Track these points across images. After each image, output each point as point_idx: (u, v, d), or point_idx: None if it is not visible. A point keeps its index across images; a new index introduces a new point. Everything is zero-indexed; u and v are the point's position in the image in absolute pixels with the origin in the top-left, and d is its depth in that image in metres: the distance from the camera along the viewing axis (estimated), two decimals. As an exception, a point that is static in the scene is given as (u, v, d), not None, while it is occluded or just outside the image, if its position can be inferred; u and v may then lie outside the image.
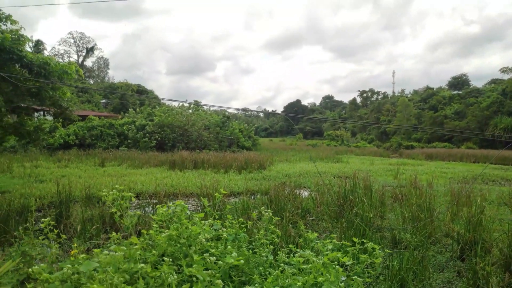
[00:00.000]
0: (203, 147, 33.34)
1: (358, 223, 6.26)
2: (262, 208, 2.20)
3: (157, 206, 2.45)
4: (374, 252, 2.14)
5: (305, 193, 11.72)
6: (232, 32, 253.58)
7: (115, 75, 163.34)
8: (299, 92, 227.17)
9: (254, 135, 46.24)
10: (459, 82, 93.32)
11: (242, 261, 1.55)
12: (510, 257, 5.25)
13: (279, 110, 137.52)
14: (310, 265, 1.70)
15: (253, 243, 2.08)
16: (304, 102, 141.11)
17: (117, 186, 2.51)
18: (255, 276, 1.49)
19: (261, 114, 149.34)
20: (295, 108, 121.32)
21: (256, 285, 1.51)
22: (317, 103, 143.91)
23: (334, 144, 58.81)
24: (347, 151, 43.63)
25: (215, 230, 1.90)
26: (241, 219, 2.13)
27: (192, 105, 42.50)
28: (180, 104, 42.25)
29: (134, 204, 9.86)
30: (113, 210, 2.26)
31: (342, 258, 1.85)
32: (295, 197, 9.70)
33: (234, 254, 1.53)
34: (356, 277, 1.98)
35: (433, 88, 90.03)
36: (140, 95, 58.69)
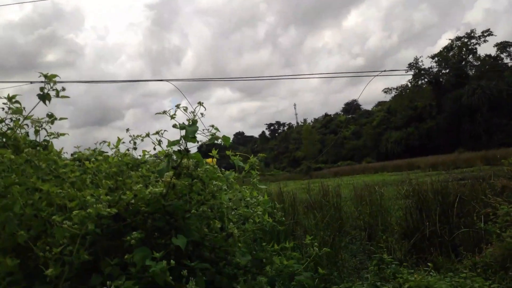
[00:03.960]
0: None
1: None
2: None
3: None
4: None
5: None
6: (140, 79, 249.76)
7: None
8: (212, 132, 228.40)
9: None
10: (351, 107, 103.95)
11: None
12: (407, 227, 5.77)
13: (193, 150, 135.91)
14: None
15: None
16: (218, 140, 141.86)
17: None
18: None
19: (174, 157, 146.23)
20: (208, 147, 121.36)
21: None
22: (230, 140, 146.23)
23: (250, 176, 59.79)
24: (262, 179, 44.50)
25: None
26: None
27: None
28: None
29: None
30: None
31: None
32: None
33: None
34: None
35: (330, 115, 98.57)
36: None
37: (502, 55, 54.75)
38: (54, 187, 1.45)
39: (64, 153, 1.97)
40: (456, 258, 4.94)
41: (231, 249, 1.73)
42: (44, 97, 1.65)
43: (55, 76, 1.66)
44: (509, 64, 55.33)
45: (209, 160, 1.47)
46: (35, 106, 1.70)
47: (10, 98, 1.63)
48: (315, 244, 2.54)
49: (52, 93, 1.69)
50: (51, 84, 1.65)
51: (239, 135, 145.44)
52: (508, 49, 54.44)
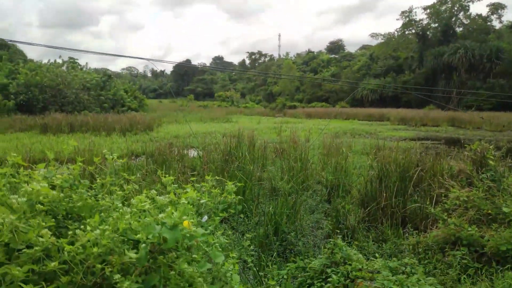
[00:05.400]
0: (82, 109, 30.28)
1: (240, 176, 6.52)
2: (105, 151, 2.01)
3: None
4: (227, 188, 2.20)
5: (194, 153, 11.68)
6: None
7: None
8: (191, 53, 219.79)
9: (141, 95, 43.73)
10: (335, 47, 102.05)
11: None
12: (365, 195, 6.13)
13: (168, 70, 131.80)
14: (151, 205, 1.61)
15: (95, 190, 1.92)
16: (195, 62, 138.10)
17: None
18: (88, 220, 1.36)
19: (149, 74, 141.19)
20: (184, 69, 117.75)
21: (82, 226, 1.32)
22: (208, 63, 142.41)
23: (225, 105, 59.51)
24: (237, 111, 44.76)
25: (47, 178, 1.68)
26: (80, 163, 1.92)
27: (66, 62, 37.78)
28: (52, 60, 37.18)
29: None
30: None
31: (193, 195, 1.85)
32: (182, 157, 9.64)
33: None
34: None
35: (313, 52, 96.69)
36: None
37: (492, 17, 54.19)
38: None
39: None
40: (403, 230, 5.39)
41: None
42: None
43: None
44: (496, 27, 55.16)
45: (185, 223, 1.41)
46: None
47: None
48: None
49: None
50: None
51: (218, 60, 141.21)
52: (499, 11, 53.79)
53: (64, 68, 36.40)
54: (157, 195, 1.75)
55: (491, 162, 5.50)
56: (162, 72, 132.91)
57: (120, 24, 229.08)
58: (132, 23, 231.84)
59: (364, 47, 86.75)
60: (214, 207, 1.97)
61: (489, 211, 4.70)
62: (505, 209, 4.36)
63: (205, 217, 1.88)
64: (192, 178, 2.57)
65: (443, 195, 5.35)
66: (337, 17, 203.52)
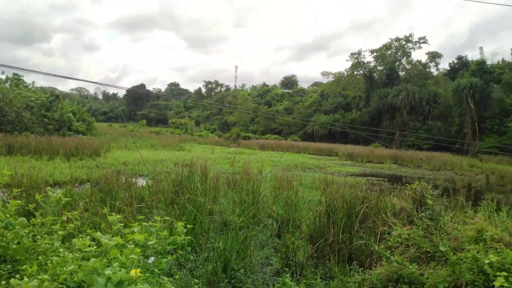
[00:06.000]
0: (23, 129, 28.36)
1: (190, 208, 6.38)
2: (48, 188, 1.89)
3: None
4: (177, 229, 2.16)
5: (143, 182, 11.28)
6: (76, 3, 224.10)
7: None
8: (146, 77, 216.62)
9: (89, 118, 41.94)
10: (289, 82, 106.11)
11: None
12: (314, 231, 6.23)
13: (121, 93, 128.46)
14: (94, 247, 1.52)
15: (33, 226, 1.78)
16: (150, 87, 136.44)
17: None
18: (25, 266, 1.25)
19: (100, 96, 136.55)
20: (138, 93, 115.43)
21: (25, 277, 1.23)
22: (163, 89, 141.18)
23: (178, 132, 58.71)
24: (190, 139, 44.28)
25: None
26: (18, 201, 1.78)
27: (10, 79, 35.59)
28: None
29: None
30: None
31: (140, 238, 1.78)
32: (130, 186, 9.27)
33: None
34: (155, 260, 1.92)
35: (268, 86, 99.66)
36: None
37: (430, 64, 59.59)
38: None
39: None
40: (349, 266, 5.51)
41: None
42: None
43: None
44: (434, 74, 60.61)
45: (132, 272, 1.35)
46: None
47: None
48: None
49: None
50: None
51: (174, 86, 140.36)
52: (436, 59, 59.34)
53: (7, 85, 34.26)
54: (102, 235, 1.66)
55: (429, 201, 5.87)
56: (114, 95, 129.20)
57: (74, 43, 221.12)
58: (87, 43, 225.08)
59: (316, 84, 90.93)
60: (161, 249, 1.91)
61: (428, 249, 4.97)
62: (441, 248, 4.62)
63: (152, 259, 1.81)
64: (139, 217, 2.48)
65: (386, 232, 5.58)
66: (292, 53, 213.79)
